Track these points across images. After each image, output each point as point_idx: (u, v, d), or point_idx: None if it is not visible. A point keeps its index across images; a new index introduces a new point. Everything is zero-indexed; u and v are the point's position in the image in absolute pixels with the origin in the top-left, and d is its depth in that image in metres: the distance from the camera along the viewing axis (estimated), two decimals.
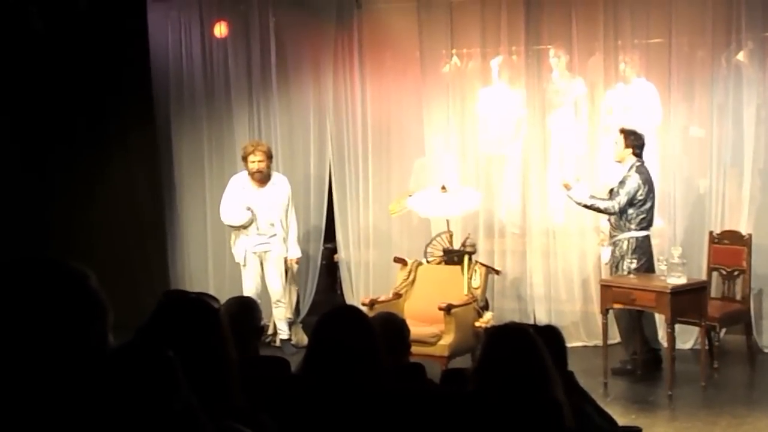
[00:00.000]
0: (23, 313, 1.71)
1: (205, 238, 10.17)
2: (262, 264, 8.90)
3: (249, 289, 8.69)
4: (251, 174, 8.67)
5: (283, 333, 8.96)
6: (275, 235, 8.83)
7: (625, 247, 7.72)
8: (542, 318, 8.92)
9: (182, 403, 1.84)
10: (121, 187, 9.78)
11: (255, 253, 8.83)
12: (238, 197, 8.73)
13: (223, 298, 3.95)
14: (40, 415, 1.68)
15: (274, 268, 8.90)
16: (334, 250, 10.03)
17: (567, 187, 7.93)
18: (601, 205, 7.78)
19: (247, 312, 3.94)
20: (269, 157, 8.72)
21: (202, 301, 2.62)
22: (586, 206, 7.92)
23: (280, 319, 9.01)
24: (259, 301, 8.33)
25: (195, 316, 2.55)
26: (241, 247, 8.86)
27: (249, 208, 8.69)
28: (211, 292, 5.15)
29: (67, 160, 9.61)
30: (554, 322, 8.15)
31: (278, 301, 8.95)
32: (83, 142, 9.62)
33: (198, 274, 10.18)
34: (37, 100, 9.42)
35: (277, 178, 8.84)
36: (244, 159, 8.71)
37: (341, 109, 9.76)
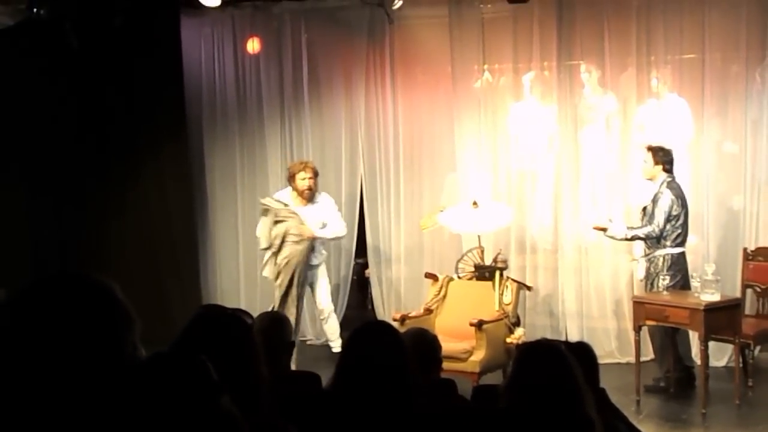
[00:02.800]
0: (54, 328, 1.72)
1: (237, 253, 10.22)
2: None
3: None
4: (300, 192, 8.63)
5: (335, 347, 8.89)
6: (321, 251, 8.84)
7: (660, 263, 7.67)
8: (574, 335, 8.85)
9: (226, 406, 1.86)
10: (154, 201, 9.83)
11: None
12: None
13: (254, 314, 3.96)
14: (85, 426, 1.70)
15: (321, 284, 8.89)
16: (366, 266, 10.04)
17: (602, 228, 7.91)
18: (642, 233, 7.72)
19: (278, 327, 3.94)
20: (316, 174, 8.70)
21: (237, 316, 2.64)
22: (627, 239, 7.90)
23: (331, 332, 8.96)
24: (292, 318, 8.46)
25: (229, 330, 2.57)
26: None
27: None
28: (243, 306, 5.17)
29: (100, 175, 9.67)
30: (586, 338, 8.09)
31: (328, 316, 8.92)
32: (116, 158, 9.68)
33: (229, 288, 10.22)
34: (71, 116, 9.50)
35: (322, 197, 8.81)
36: (292, 177, 8.64)
37: (373, 124, 9.78)
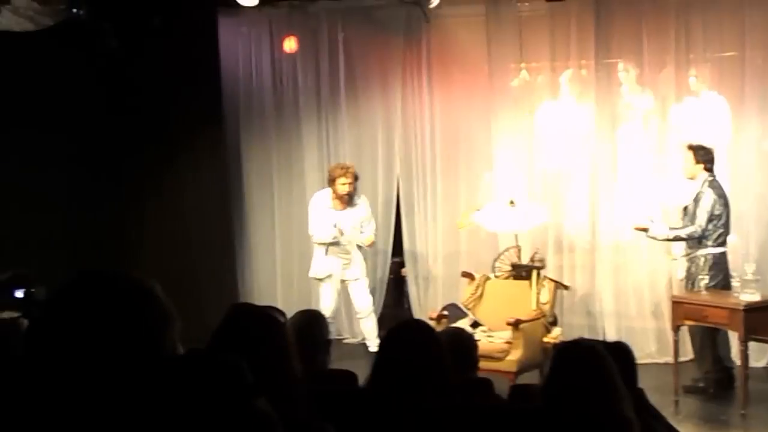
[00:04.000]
0: (95, 326, 1.73)
1: (274, 252, 10.25)
2: (342, 282, 8.98)
3: (327, 306, 8.73)
4: (339, 196, 8.71)
5: (372, 346, 8.89)
6: (355, 253, 8.92)
7: (701, 263, 7.58)
8: (612, 334, 8.79)
9: (261, 406, 1.86)
10: (191, 199, 9.87)
11: (334, 272, 8.91)
12: (325, 214, 8.77)
13: (291, 313, 3.96)
14: (125, 423, 1.70)
15: (358, 284, 8.97)
16: (402, 265, 10.03)
17: (643, 229, 7.84)
18: (684, 233, 7.65)
19: (314, 325, 3.94)
20: (356, 179, 8.76)
21: (268, 314, 2.64)
22: (669, 240, 7.83)
23: (368, 332, 9.06)
24: (332, 319, 8.55)
25: (261, 328, 2.57)
26: (323, 264, 8.89)
27: (336, 225, 8.73)
28: (280, 306, 5.18)
29: (138, 173, 9.73)
30: (624, 338, 8.02)
31: (366, 316, 9.04)
32: (154, 156, 9.73)
33: (266, 287, 10.26)
34: (109, 120, 9.56)
35: (361, 200, 8.88)
36: (332, 181, 8.72)
37: (409, 123, 9.78)
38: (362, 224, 8.84)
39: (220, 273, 9.82)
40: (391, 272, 10.04)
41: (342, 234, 8.75)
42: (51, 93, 8.90)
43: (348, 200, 8.72)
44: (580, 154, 9.27)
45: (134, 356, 1.73)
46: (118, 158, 9.65)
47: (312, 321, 4.00)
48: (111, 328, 1.73)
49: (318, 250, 8.95)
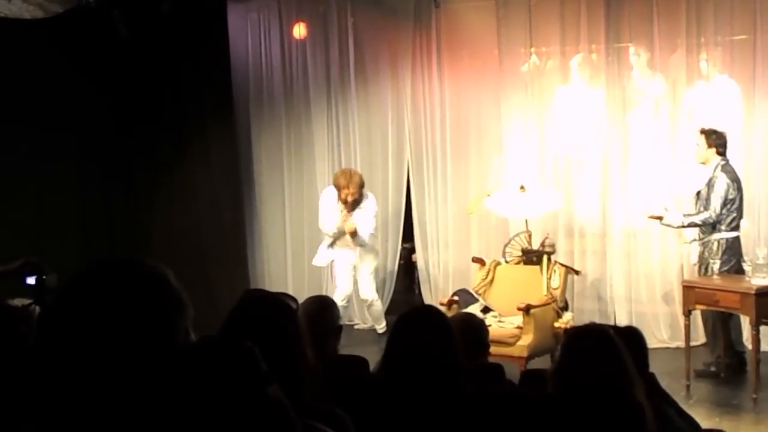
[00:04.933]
0: (109, 314, 1.73)
1: (284, 239, 10.27)
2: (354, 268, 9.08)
3: (342, 291, 8.88)
4: (342, 201, 8.74)
5: (380, 328, 9.21)
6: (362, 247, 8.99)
7: (714, 248, 7.56)
8: (623, 319, 8.79)
9: (273, 394, 1.86)
10: (202, 186, 9.89)
11: (341, 259, 9.03)
12: (333, 211, 8.80)
13: (302, 299, 3.97)
14: (138, 411, 1.71)
15: (364, 272, 9.04)
16: (412, 250, 10.05)
17: (657, 217, 7.82)
18: (699, 219, 7.62)
19: (324, 311, 3.95)
20: (362, 185, 8.73)
21: (280, 300, 2.64)
22: (683, 227, 7.81)
23: (375, 318, 9.30)
24: (346, 304, 8.63)
25: (272, 314, 2.57)
26: (324, 254, 8.98)
27: (338, 228, 8.79)
28: (291, 292, 5.19)
29: (148, 161, 9.73)
30: (635, 323, 8.04)
31: (372, 303, 9.17)
32: (164, 146, 9.75)
33: (277, 274, 10.29)
34: (118, 105, 9.57)
35: (366, 202, 8.83)
36: (337, 188, 8.73)
37: (419, 109, 9.76)
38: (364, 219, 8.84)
39: (231, 260, 9.85)
40: (401, 258, 10.07)
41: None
42: (61, 81, 8.90)
43: (351, 207, 8.74)
44: (590, 139, 9.24)
45: (148, 344, 1.74)
46: (128, 146, 9.66)
47: (322, 307, 4.00)
48: (125, 315, 1.73)
49: (325, 240, 9.01)
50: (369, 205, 8.84)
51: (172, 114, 9.68)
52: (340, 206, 8.79)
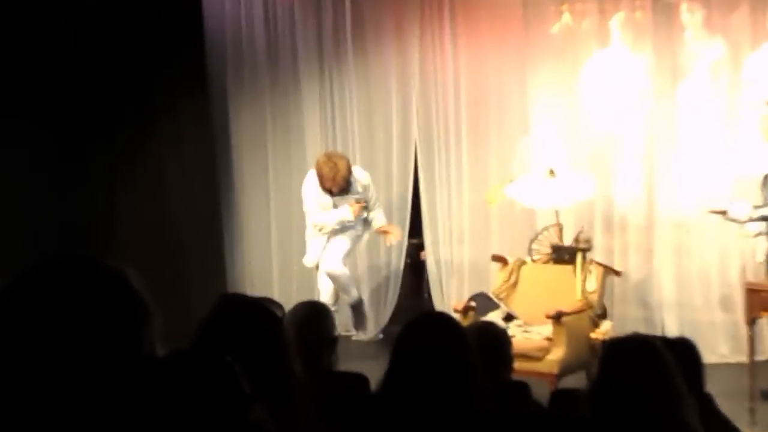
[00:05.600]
0: (59, 323, 1.73)
1: (269, 235, 10.28)
2: None
3: (325, 294, 8.76)
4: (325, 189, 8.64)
5: (349, 299, 8.99)
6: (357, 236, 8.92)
7: None
8: (672, 329, 8.81)
9: (255, 418, 1.87)
10: (170, 173, 9.89)
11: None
12: (320, 198, 8.72)
13: (289, 305, 3.98)
14: None
15: (337, 245, 8.84)
16: (421, 247, 10.06)
17: (721, 212, 7.75)
18: None
19: (317, 319, 3.96)
20: (349, 173, 8.57)
21: (263, 306, 2.65)
22: (753, 220, 7.76)
23: (341, 288, 8.96)
24: (334, 308, 8.53)
25: (254, 323, 2.58)
26: (318, 252, 8.88)
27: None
28: (277, 297, 5.19)
29: (108, 141, 9.71)
30: (687, 333, 8.02)
31: (338, 277, 8.87)
32: (127, 122, 9.74)
33: (261, 276, 10.31)
34: (80, 79, 9.57)
35: (359, 183, 8.73)
36: (320, 176, 8.58)
37: (429, 81, 9.76)
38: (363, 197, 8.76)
39: (206, 260, 9.87)
40: (408, 256, 10.09)
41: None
42: (16, 53, 8.93)
43: (340, 193, 8.63)
44: (633, 115, 9.24)
45: (106, 358, 1.73)
46: (88, 128, 9.66)
47: (314, 314, 4.02)
48: (78, 324, 1.73)
49: (314, 237, 8.89)
50: (365, 181, 8.73)
51: (138, 92, 9.68)
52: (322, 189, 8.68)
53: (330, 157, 8.67)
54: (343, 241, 8.85)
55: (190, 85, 9.79)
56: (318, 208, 8.70)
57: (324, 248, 8.83)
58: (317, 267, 8.93)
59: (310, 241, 8.95)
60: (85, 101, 9.62)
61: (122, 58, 9.60)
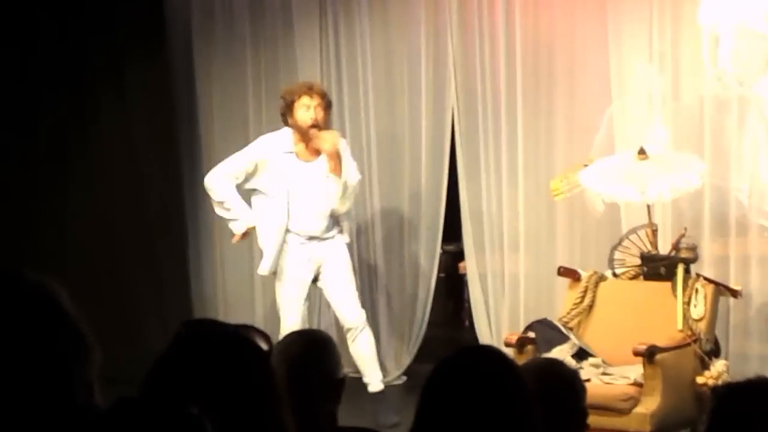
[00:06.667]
0: None
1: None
2: (316, 279, 8.91)
3: (291, 323, 8.53)
4: (302, 131, 8.62)
5: (372, 384, 8.94)
6: (332, 236, 8.89)
7: None
8: None
9: None
10: (117, 157, 9.96)
11: (300, 263, 8.84)
12: (275, 175, 8.75)
13: (279, 335, 4.00)
14: None
15: (341, 281, 8.90)
16: (460, 256, 10.07)
17: None
18: None
19: (316, 355, 3.98)
20: (329, 105, 8.68)
21: (241, 337, 2.66)
22: None
23: (365, 359, 8.97)
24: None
25: (228, 361, 2.59)
26: (272, 255, 8.88)
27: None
28: (261, 324, 5.18)
29: (45, 124, 9.85)
30: None
31: (361, 332, 8.90)
32: (60, 92, 9.83)
33: (237, 294, 10.36)
34: (7, 48, 9.70)
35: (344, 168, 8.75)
36: (288, 108, 8.64)
37: (471, 32, 9.79)
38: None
39: (164, 273, 9.92)
40: (441, 269, 10.08)
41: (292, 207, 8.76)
42: None
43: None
44: (757, 74, 9.21)
45: (26, 409, 1.75)
46: (19, 101, 9.75)
47: (313, 348, 4.03)
48: None
49: (269, 240, 8.89)
50: (352, 181, 8.74)
51: (81, 57, 9.77)
52: (298, 151, 8.69)
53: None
54: (344, 257, 8.91)
55: (144, 48, 9.89)
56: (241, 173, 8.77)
57: (308, 260, 8.83)
58: (278, 280, 8.85)
59: (266, 241, 8.89)
60: (20, 72, 9.77)
61: (64, 24, 9.74)
